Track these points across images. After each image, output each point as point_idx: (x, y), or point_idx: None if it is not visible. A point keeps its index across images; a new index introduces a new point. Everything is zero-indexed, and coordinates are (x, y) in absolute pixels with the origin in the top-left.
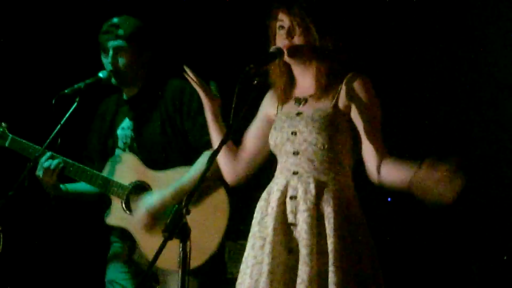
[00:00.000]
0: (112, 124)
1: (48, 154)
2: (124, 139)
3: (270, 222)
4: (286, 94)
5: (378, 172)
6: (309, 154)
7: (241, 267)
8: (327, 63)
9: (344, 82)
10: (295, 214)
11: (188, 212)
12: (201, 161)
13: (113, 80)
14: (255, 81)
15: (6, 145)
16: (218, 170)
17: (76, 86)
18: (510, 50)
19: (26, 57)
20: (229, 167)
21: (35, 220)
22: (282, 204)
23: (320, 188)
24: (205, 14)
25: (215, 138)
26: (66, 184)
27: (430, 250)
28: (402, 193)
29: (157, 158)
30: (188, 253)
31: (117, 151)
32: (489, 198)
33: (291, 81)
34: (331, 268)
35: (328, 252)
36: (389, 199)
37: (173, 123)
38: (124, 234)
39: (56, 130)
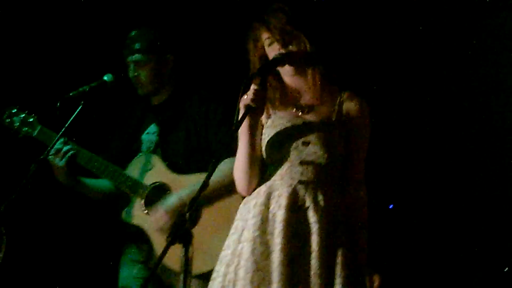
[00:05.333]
0: (137, 129)
1: (63, 139)
2: (149, 144)
3: (278, 231)
4: (283, 99)
5: (351, 198)
6: (317, 165)
7: (224, 268)
8: (321, 67)
9: (343, 99)
10: (304, 224)
11: (191, 217)
12: (222, 168)
13: (138, 91)
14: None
15: (34, 134)
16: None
17: (81, 89)
18: (510, 50)
19: (31, 60)
20: (252, 179)
21: (42, 222)
22: (290, 213)
23: (328, 198)
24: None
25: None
26: (82, 178)
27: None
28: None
29: (179, 164)
30: (191, 258)
31: (140, 154)
32: (489, 198)
33: (283, 91)
34: (338, 281)
35: (337, 264)
36: (390, 206)
37: (198, 132)
38: (141, 238)
39: (60, 133)
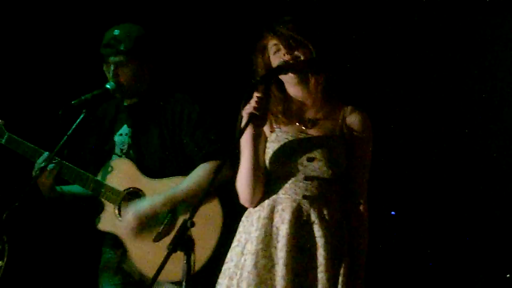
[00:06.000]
0: (110, 129)
1: (45, 154)
2: (122, 146)
3: (281, 245)
4: (286, 113)
5: (353, 215)
6: (322, 180)
7: (228, 280)
8: (324, 77)
9: (346, 114)
10: (310, 239)
11: (192, 225)
12: (197, 173)
13: (116, 94)
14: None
15: (3, 142)
16: (215, 182)
17: (83, 97)
18: (510, 50)
19: (33, 67)
20: (256, 190)
21: (43, 230)
22: (294, 227)
23: (333, 213)
24: (208, 24)
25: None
26: (62, 186)
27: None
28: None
29: (153, 167)
30: (193, 266)
31: (114, 157)
32: (489, 199)
33: (287, 103)
34: None
35: (340, 275)
36: (392, 212)
37: (171, 134)
38: (116, 242)
39: (62, 141)
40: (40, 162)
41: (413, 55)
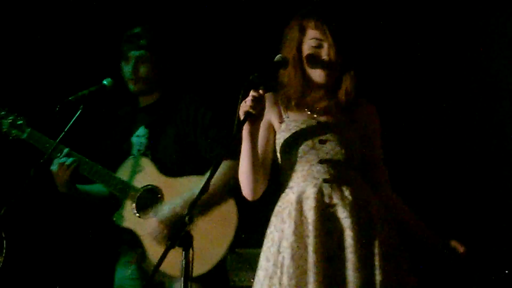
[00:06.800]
0: (127, 131)
1: (66, 150)
2: (139, 146)
3: (310, 232)
4: (299, 100)
5: (387, 204)
6: (336, 162)
7: (268, 280)
8: (353, 79)
9: (358, 105)
10: (335, 221)
11: (191, 221)
12: (218, 170)
13: (131, 87)
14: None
15: (24, 137)
16: (231, 182)
17: (80, 93)
18: (510, 50)
19: (31, 63)
20: (257, 183)
21: (41, 226)
22: (320, 211)
23: (355, 193)
24: (214, 23)
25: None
26: (80, 185)
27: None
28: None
29: (170, 166)
30: (191, 261)
31: (132, 157)
32: (488, 199)
33: (304, 86)
34: (378, 271)
35: (374, 255)
36: None
37: (186, 135)
38: (134, 240)
39: (60, 137)
40: (59, 157)
41: (413, 55)
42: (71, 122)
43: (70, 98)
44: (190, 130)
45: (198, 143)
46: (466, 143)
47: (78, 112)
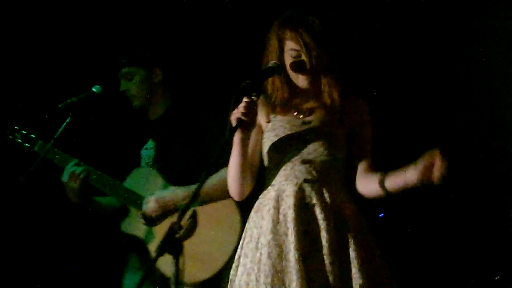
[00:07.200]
0: (136, 144)
1: (75, 161)
2: (147, 159)
3: (290, 231)
4: (285, 103)
5: (362, 183)
6: (319, 163)
7: (246, 276)
8: (338, 82)
9: (346, 103)
10: (312, 222)
11: (180, 228)
12: (220, 173)
13: (132, 105)
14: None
15: (35, 149)
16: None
17: (69, 100)
18: (510, 50)
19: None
20: (243, 186)
21: (47, 233)
22: (299, 211)
23: (333, 195)
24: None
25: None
26: (93, 196)
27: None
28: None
29: (178, 176)
30: (182, 269)
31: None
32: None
33: (290, 91)
34: (358, 275)
35: (350, 258)
36: (381, 215)
37: (196, 144)
38: (141, 247)
39: (49, 144)
40: (69, 167)
41: (413, 55)
42: (60, 130)
43: (59, 106)
44: (198, 140)
45: (210, 150)
46: (466, 143)
47: (67, 120)
